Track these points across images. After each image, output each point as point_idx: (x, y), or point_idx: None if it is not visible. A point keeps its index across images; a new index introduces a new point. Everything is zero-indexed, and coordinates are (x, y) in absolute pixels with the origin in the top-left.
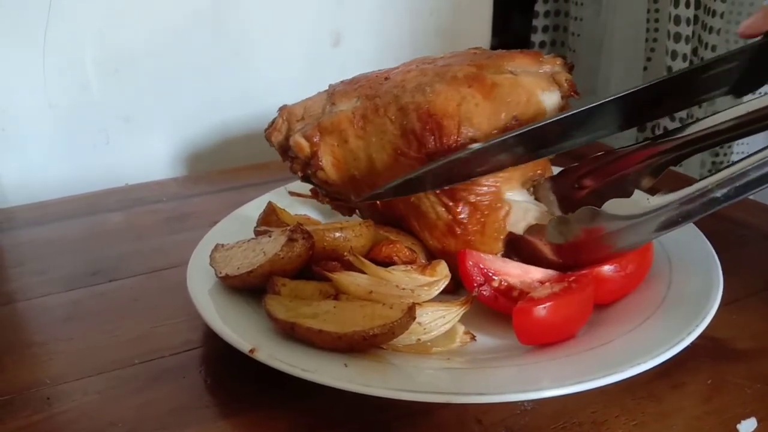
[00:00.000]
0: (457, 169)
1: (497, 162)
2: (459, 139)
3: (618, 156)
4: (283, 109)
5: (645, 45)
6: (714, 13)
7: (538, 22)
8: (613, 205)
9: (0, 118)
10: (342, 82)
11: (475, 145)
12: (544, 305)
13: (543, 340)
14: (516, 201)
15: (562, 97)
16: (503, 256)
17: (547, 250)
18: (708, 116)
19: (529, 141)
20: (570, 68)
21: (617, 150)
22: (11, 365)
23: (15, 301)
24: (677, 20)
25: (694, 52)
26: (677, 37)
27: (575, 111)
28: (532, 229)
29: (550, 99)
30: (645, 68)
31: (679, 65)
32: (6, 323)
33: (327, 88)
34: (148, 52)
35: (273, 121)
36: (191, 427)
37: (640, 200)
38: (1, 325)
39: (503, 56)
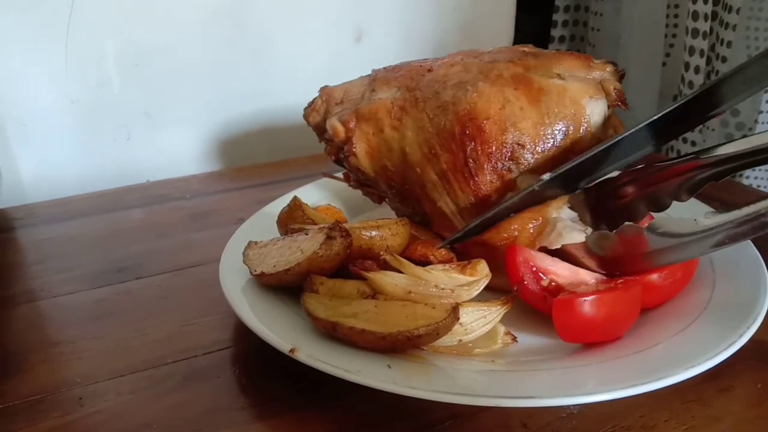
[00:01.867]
0: (530, 200)
1: (559, 192)
2: (503, 143)
3: (658, 169)
4: (323, 90)
5: (664, 41)
6: (731, 9)
7: (558, 17)
8: (659, 223)
9: (21, 113)
10: (385, 68)
11: (546, 176)
12: (585, 299)
13: (585, 337)
14: (555, 218)
15: (609, 106)
16: None
17: (588, 263)
18: (754, 134)
19: (587, 168)
20: (620, 76)
21: (658, 164)
22: (39, 364)
23: (39, 299)
24: (695, 16)
25: (712, 48)
26: (695, 33)
27: (627, 134)
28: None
29: (596, 107)
30: (664, 63)
31: (696, 61)
32: (32, 321)
33: (370, 73)
34: (169, 48)
35: (312, 101)
36: (227, 428)
37: (688, 220)
38: (26, 323)
39: (552, 57)
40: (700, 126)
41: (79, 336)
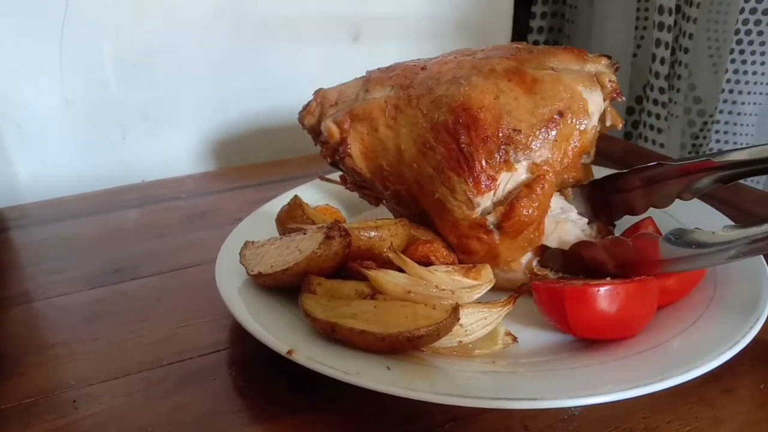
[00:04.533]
0: None
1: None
2: (498, 129)
3: (668, 167)
4: (318, 93)
5: (635, 33)
6: (692, 3)
7: (537, 9)
8: (678, 233)
9: (17, 114)
10: (379, 69)
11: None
12: (600, 289)
13: (598, 332)
14: (556, 216)
15: (604, 99)
16: (541, 266)
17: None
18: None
19: None
20: (615, 69)
21: (669, 162)
22: (34, 366)
23: (34, 300)
24: (661, 10)
25: (676, 40)
26: (661, 26)
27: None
28: (580, 245)
29: (591, 98)
30: (635, 55)
31: (662, 53)
32: (27, 323)
33: (364, 75)
34: (166, 48)
35: (307, 104)
36: (224, 431)
37: (706, 232)
38: (20, 325)
39: (546, 52)
40: (666, 113)
41: (74, 338)
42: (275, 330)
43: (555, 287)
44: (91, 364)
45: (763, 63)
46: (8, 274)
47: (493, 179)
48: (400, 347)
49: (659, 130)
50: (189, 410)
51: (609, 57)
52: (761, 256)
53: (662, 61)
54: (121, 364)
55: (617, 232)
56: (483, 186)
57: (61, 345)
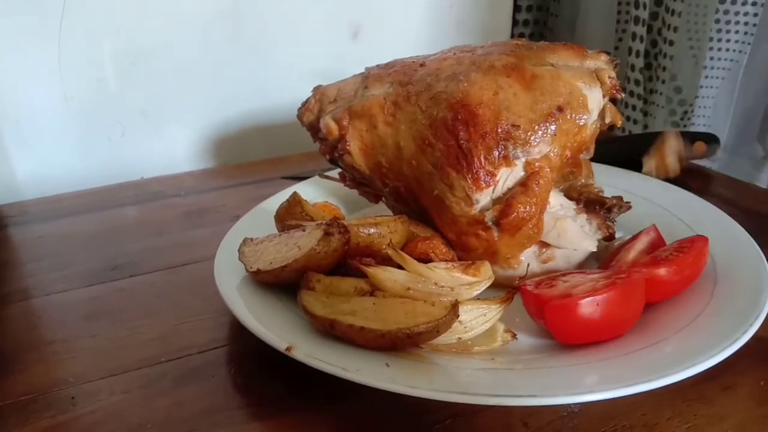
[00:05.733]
0: None
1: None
2: (497, 125)
3: None
4: (317, 90)
5: (616, 26)
6: None
7: (522, 2)
8: None
9: (16, 111)
10: (378, 65)
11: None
12: (581, 301)
13: (584, 339)
14: (554, 212)
15: (604, 96)
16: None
17: None
18: None
19: None
20: (615, 66)
21: None
22: (33, 363)
23: (32, 297)
24: (637, 4)
25: (659, 32)
26: (636, 20)
27: None
28: None
29: (591, 94)
30: (616, 47)
31: (637, 46)
32: (25, 320)
33: (363, 71)
34: (165, 46)
35: (306, 101)
36: (223, 429)
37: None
38: (20, 321)
39: (545, 48)
40: (642, 104)
41: (72, 335)
42: (274, 327)
43: (538, 295)
44: (90, 361)
45: (728, 50)
46: (7, 272)
47: (492, 175)
48: (399, 344)
49: (635, 121)
50: (187, 407)
51: (609, 53)
52: (761, 252)
53: (638, 54)
54: (119, 361)
55: (617, 232)
56: (482, 182)
57: (60, 342)
